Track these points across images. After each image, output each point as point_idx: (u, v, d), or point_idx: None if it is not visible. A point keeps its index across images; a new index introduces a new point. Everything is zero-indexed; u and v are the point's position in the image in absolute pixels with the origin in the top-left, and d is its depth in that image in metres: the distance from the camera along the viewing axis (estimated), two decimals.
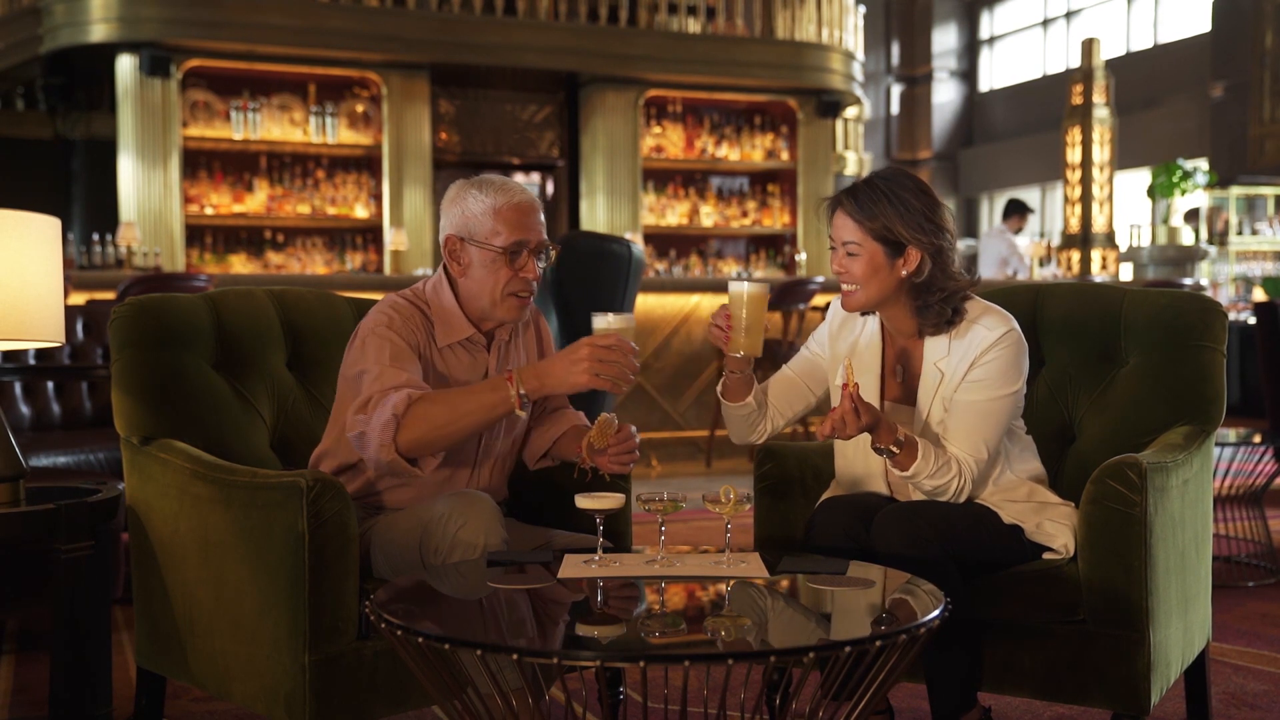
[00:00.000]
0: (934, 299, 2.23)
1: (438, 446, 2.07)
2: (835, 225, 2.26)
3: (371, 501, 2.30)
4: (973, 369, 2.21)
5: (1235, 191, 12.32)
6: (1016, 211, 10.20)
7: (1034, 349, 2.46)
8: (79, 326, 4.53)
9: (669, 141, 10.85)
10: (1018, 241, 10.35)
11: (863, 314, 2.37)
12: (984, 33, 18.35)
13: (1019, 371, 2.23)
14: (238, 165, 9.78)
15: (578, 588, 1.89)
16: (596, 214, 10.42)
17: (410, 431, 2.03)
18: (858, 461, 2.34)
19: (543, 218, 2.27)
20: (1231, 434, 4.25)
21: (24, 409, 4.32)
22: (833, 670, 1.63)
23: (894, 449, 2.14)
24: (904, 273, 2.21)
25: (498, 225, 2.19)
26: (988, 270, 10.00)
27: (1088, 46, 11.73)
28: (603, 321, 2.09)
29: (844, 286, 2.26)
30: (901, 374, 2.31)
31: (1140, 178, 13.74)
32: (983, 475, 2.23)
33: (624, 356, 2.01)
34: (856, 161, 13.88)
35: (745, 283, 2.21)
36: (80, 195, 10.28)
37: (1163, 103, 14.90)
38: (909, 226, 2.19)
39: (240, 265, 9.73)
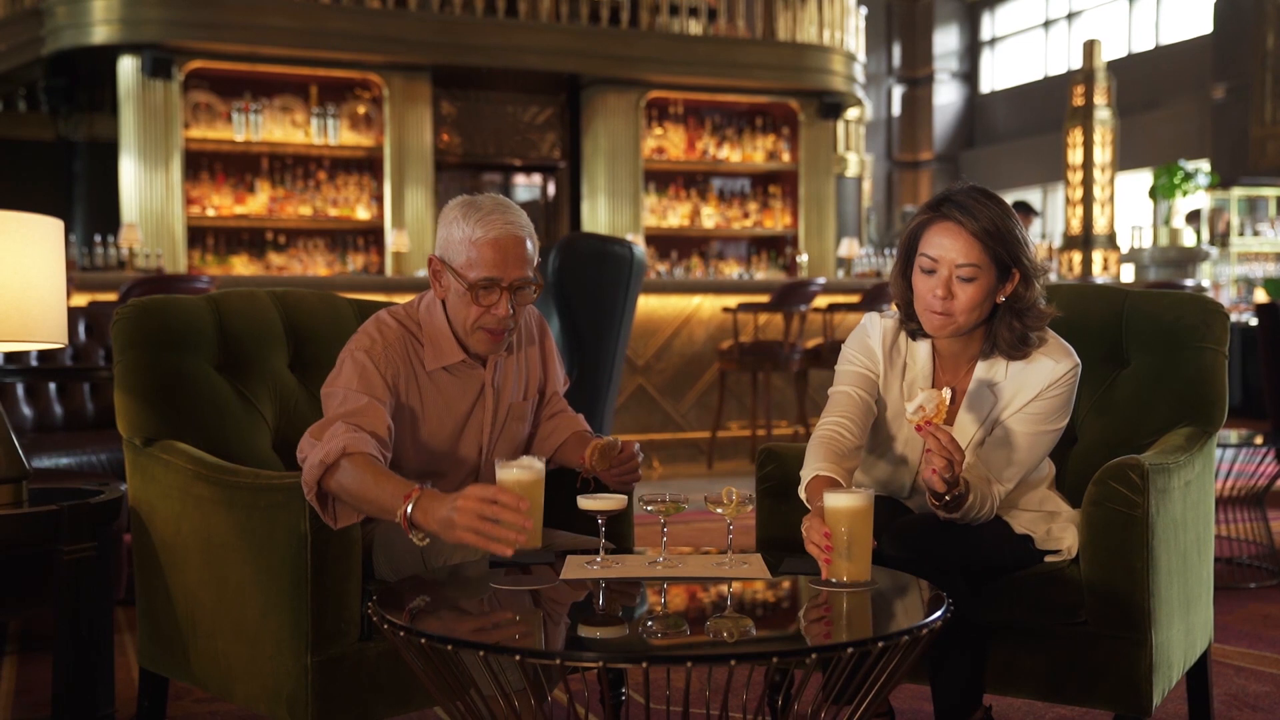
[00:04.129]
0: (1020, 323, 2.08)
1: (334, 502, 1.99)
2: (944, 245, 2.03)
3: None
4: (1034, 401, 2.12)
5: (1237, 193, 12.33)
6: (1021, 212, 10.19)
7: None
8: (81, 328, 4.53)
9: (670, 143, 10.85)
10: None
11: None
12: (985, 34, 18.35)
13: (1072, 403, 2.18)
14: (239, 167, 9.79)
15: (580, 589, 1.89)
16: (598, 215, 10.43)
17: (331, 484, 1.95)
18: (886, 472, 2.29)
19: (530, 250, 2.13)
20: (1233, 435, 4.25)
21: (26, 410, 4.32)
22: (835, 671, 1.64)
23: (953, 499, 2.01)
24: (1001, 298, 2.07)
25: (472, 257, 2.11)
26: None
27: (1089, 48, 11.75)
28: (506, 472, 1.84)
29: (935, 311, 2.07)
30: (951, 395, 2.25)
31: (1142, 179, 13.75)
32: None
33: (513, 515, 1.74)
34: (858, 163, 13.88)
35: (846, 493, 1.84)
36: (82, 197, 10.28)
37: (1164, 104, 14.90)
38: (1019, 246, 2.02)
39: (242, 267, 9.74)
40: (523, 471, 1.85)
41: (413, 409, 2.19)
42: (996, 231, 2.01)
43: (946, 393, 1.92)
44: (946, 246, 2.03)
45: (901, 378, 2.22)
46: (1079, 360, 2.16)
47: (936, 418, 1.92)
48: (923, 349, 2.20)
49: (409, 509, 1.86)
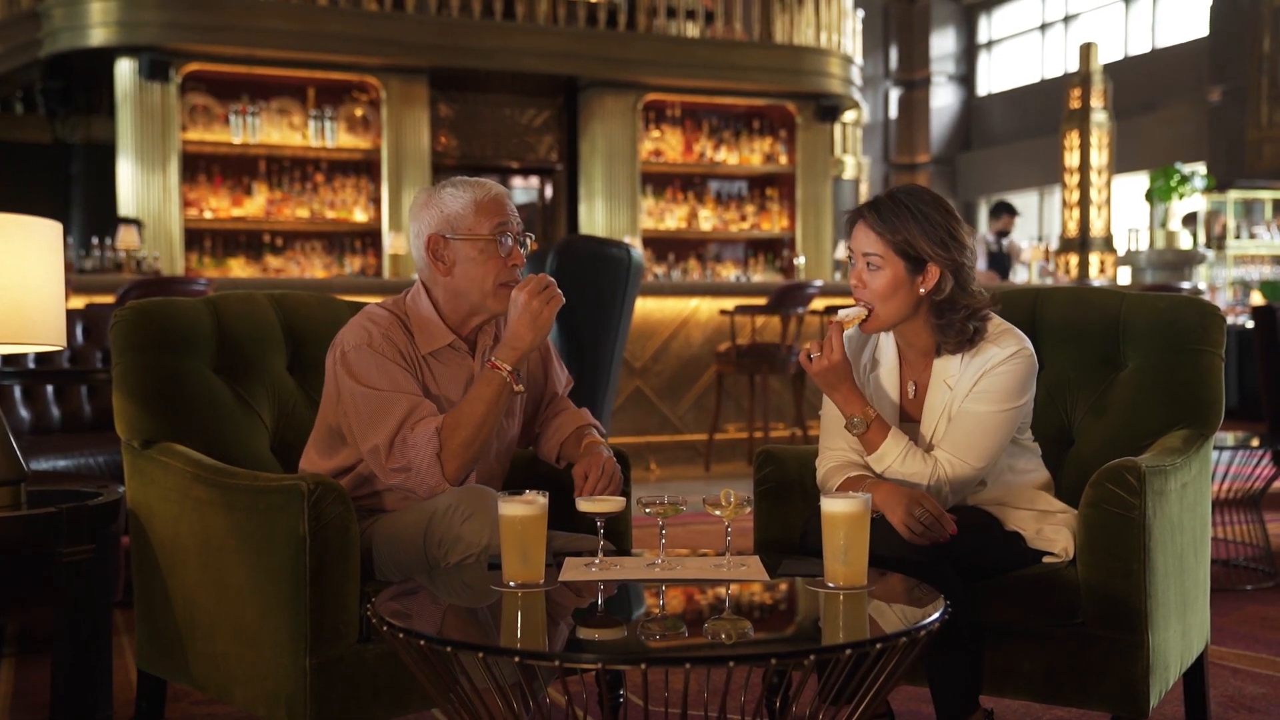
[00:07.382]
0: (957, 317, 2.20)
1: (476, 459, 2.17)
2: (856, 237, 2.23)
3: (369, 504, 2.30)
4: (981, 380, 2.19)
5: (1233, 195, 12.34)
6: (1004, 212, 10.20)
7: None
8: (78, 330, 4.53)
9: (668, 145, 10.86)
10: (1003, 244, 10.31)
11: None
12: (982, 37, 18.37)
13: (1025, 389, 2.22)
14: (237, 169, 9.78)
15: (578, 590, 1.89)
16: (595, 218, 10.43)
17: (453, 462, 2.12)
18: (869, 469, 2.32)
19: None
20: (1229, 437, 4.25)
21: (24, 413, 4.32)
22: (832, 673, 1.64)
23: (857, 423, 2.17)
24: (922, 290, 2.19)
25: (480, 217, 2.22)
26: None
27: (1085, 51, 11.75)
28: (508, 507, 1.84)
29: (857, 304, 2.23)
30: (914, 391, 2.30)
31: (1138, 182, 13.76)
32: (963, 484, 2.21)
33: (554, 290, 2.14)
34: (855, 165, 13.88)
35: (844, 499, 1.85)
36: (79, 199, 10.27)
37: (1161, 107, 14.92)
38: (931, 242, 2.17)
39: (239, 269, 9.73)
40: (525, 507, 1.85)
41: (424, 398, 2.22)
42: (900, 225, 2.17)
43: (863, 312, 2.20)
44: (858, 239, 2.23)
45: (872, 372, 2.34)
46: (1029, 347, 2.23)
47: (847, 324, 2.22)
48: (889, 347, 2.32)
49: (506, 370, 2.13)
